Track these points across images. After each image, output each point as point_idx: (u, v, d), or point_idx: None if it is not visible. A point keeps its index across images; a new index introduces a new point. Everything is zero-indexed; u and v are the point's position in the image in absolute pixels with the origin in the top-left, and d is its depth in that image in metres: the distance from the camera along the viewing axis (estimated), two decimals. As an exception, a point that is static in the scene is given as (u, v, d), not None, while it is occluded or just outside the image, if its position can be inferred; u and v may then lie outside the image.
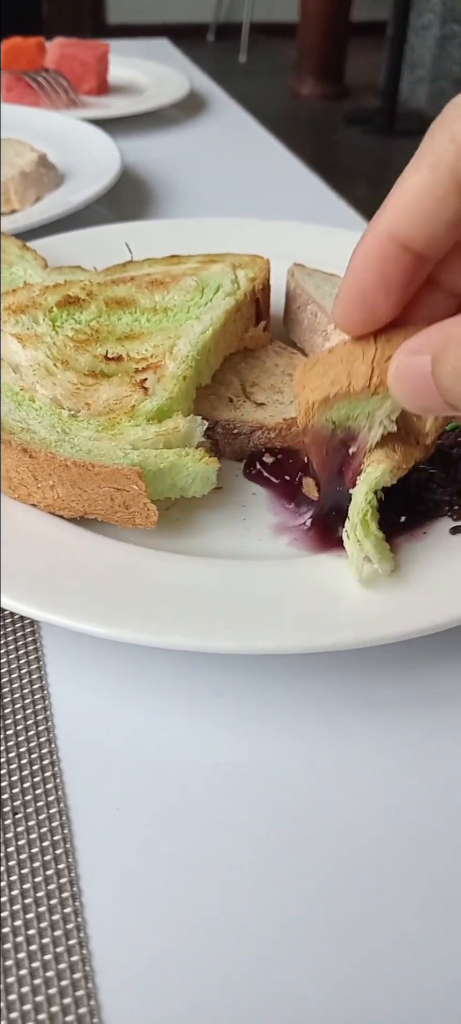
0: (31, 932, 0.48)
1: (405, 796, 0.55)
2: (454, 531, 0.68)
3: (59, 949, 0.47)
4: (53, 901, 0.49)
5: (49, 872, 0.50)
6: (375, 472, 0.62)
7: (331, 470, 0.65)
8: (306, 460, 0.76)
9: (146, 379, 0.73)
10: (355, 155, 6.30)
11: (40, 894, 0.49)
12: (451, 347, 0.47)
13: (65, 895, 0.49)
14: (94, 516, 0.67)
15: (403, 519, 0.69)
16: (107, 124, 1.64)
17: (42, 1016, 0.44)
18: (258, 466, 0.77)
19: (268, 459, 0.77)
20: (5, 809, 0.53)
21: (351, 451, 0.63)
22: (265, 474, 0.76)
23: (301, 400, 0.60)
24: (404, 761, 0.57)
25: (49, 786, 0.55)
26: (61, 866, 0.51)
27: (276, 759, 0.57)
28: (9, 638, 0.64)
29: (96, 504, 0.66)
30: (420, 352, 0.49)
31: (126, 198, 1.42)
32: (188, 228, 1.15)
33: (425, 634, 0.58)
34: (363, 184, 5.57)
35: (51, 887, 0.50)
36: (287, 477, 0.75)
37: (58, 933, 0.48)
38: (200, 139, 1.74)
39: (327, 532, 0.68)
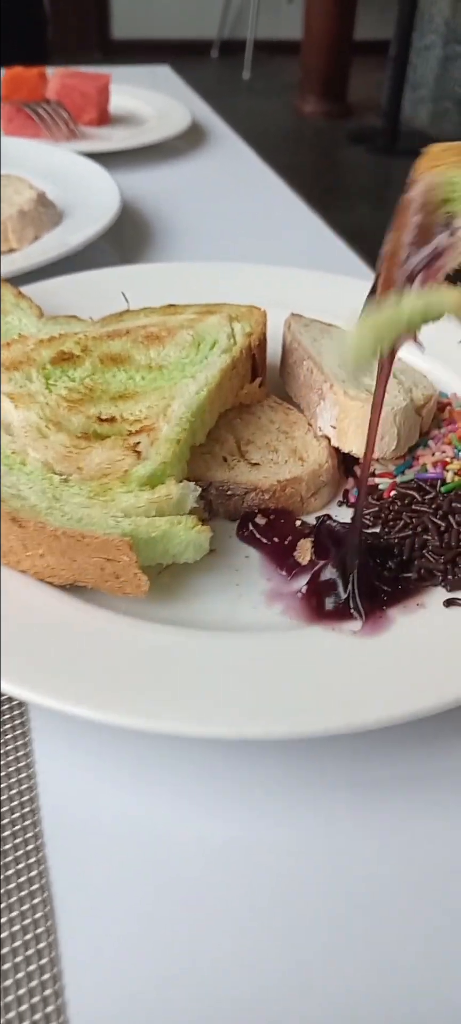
0: (10, 1016, 0.47)
1: (394, 882, 0.54)
2: (449, 603, 0.68)
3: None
4: (35, 999, 0.48)
5: (31, 968, 0.49)
6: (444, 294, 0.57)
7: (417, 244, 0.59)
8: (298, 524, 0.76)
9: (139, 442, 0.72)
10: (357, 174, 6.31)
11: (21, 991, 0.48)
12: None
13: (47, 992, 0.48)
14: (84, 584, 0.66)
15: (396, 587, 0.69)
16: (108, 157, 1.64)
17: None
18: (251, 527, 0.76)
19: (261, 520, 0.76)
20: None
21: (445, 239, 0.58)
22: (258, 535, 0.76)
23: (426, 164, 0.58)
24: (394, 845, 0.56)
25: (33, 874, 0.54)
26: (44, 961, 0.50)
27: (266, 844, 0.56)
28: (-4, 710, 0.63)
29: (86, 573, 0.65)
30: None
31: (125, 233, 1.41)
32: (186, 273, 1.15)
33: (420, 717, 0.57)
34: (365, 203, 5.58)
35: (33, 984, 0.49)
36: (280, 539, 0.75)
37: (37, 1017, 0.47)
38: (201, 173, 1.74)
39: (320, 601, 0.68)
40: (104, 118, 1.86)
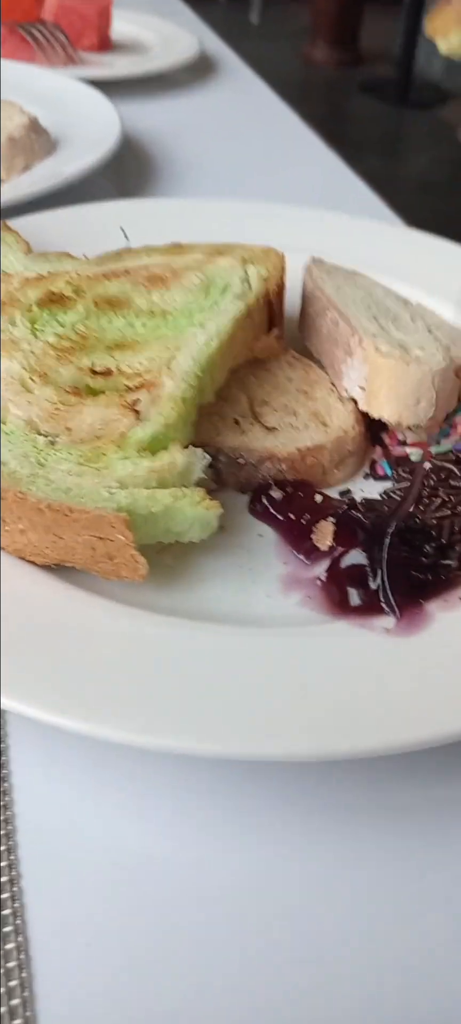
0: None
1: (400, 918, 0.45)
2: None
3: None
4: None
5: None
6: None
7: None
8: (318, 499, 0.66)
9: (138, 400, 0.62)
10: (367, 124, 6.11)
11: None
12: None
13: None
14: (72, 565, 0.57)
15: (435, 577, 0.59)
16: (107, 85, 1.51)
17: None
18: (265, 501, 0.66)
19: (276, 493, 0.66)
20: None
21: None
22: (273, 511, 0.66)
23: None
24: (405, 880, 0.47)
25: (6, 912, 0.45)
26: (15, 1001, 0.41)
27: (276, 879, 0.47)
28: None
29: (74, 553, 0.55)
30: None
31: (126, 169, 1.30)
32: (193, 210, 1.03)
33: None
34: (374, 155, 5.40)
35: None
36: (298, 516, 0.65)
37: None
38: (209, 106, 1.61)
39: (343, 592, 0.58)
40: (105, 44, 1.72)
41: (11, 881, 0.46)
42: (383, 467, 0.71)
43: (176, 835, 0.49)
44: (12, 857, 0.47)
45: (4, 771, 0.51)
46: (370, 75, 6.92)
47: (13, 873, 0.46)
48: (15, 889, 0.46)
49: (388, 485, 0.70)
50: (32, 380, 0.63)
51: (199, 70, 1.74)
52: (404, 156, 5.60)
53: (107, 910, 0.45)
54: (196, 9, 2.29)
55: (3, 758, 0.51)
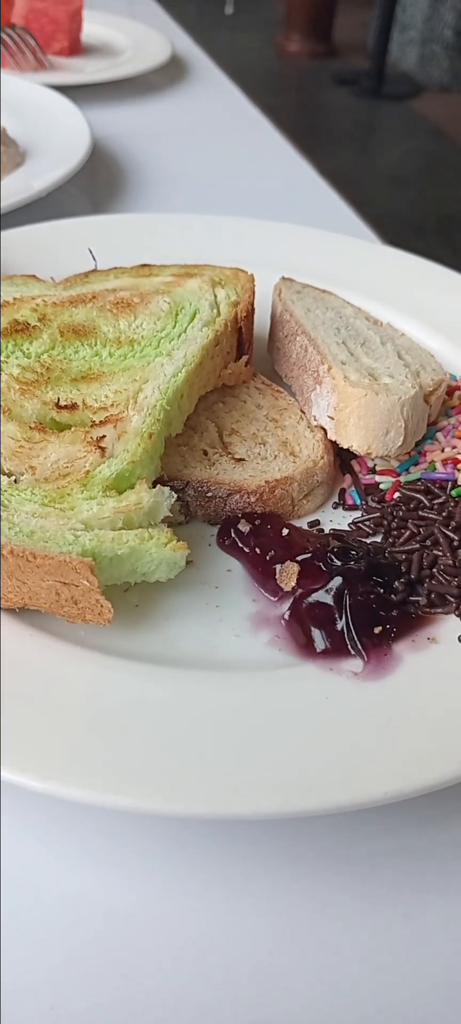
0: None
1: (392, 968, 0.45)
2: (464, 637, 0.58)
3: None
4: None
5: None
6: None
7: None
8: (285, 532, 0.65)
9: (104, 436, 0.61)
10: (341, 117, 6.10)
11: None
12: None
13: None
14: (36, 608, 0.56)
15: (403, 616, 0.59)
16: (79, 90, 1.49)
17: None
18: (233, 535, 0.66)
19: (245, 527, 0.66)
20: None
21: None
22: (240, 544, 0.65)
23: None
24: (374, 930, 0.47)
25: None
26: None
27: (247, 935, 0.47)
28: None
29: (38, 597, 0.54)
30: None
31: (96, 176, 1.28)
32: (163, 224, 1.02)
33: (436, 788, 0.48)
34: (349, 147, 5.40)
35: None
36: (265, 552, 0.64)
37: None
38: (181, 111, 1.60)
39: (308, 633, 0.57)
40: (76, 47, 1.69)
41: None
42: (352, 496, 0.71)
43: (141, 889, 0.48)
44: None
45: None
46: (344, 67, 6.91)
47: (-24, 935, 0.45)
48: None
49: (358, 514, 0.70)
50: (-5, 416, 0.62)
51: (171, 72, 1.72)
52: (378, 148, 5.60)
53: (71, 969, 0.45)
54: (170, 1, 2.27)
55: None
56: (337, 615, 0.57)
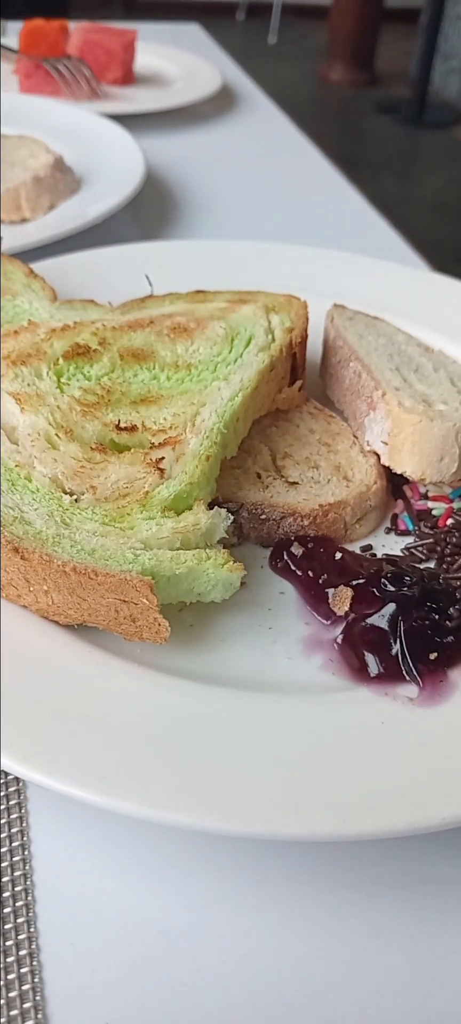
0: None
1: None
2: None
3: None
4: None
5: None
6: None
7: None
8: (338, 556, 0.66)
9: (163, 457, 0.62)
10: (383, 145, 6.12)
11: None
12: None
13: None
14: (94, 625, 0.57)
15: (458, 639, 0.59)
16: (132, 119, 1.52)
17: None
18: (286, 558, 0.66)
19: (297, 550, 0.66)
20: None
21: None
22: (294, 568, 0.66)
23: None
24: (429, 956, 0.47)
25: (26, 987, 0.45)
26: None
27: (293, 955, 0.47)
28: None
29: (98, 614, 0.56)
30: None
31: (148, 204, 1.30)
32: (215, 251, 1.04)
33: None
34: (390, 175, 5.41)
35: None
36: (318, 576, 0.64)
37: None
38: (231, 140, 1.62)
39: (361, 658, 0.57)
40: (129, 77, 1.73)
41: (30, 955, 0.46)
42: (405, 521, 0.71)
43: (196, 907, 0.49)
44: (32, 930, 0.47)
45: (25, 838, 0.51)
46: (386, 95, 6.93)
47: (33, 947, 0.46)
48: (34, 963, 0.46)
49: (410, 540, 0.70)
50: (58, 436, 0.63)
51: (220, 101, 1.75)
52: (420, 176, 5.60)
53: (125, 984, 0.45)
54: (214, 29, 2.30)
55: (23, 825, 0.52)
56: (392, 640, 0.58)
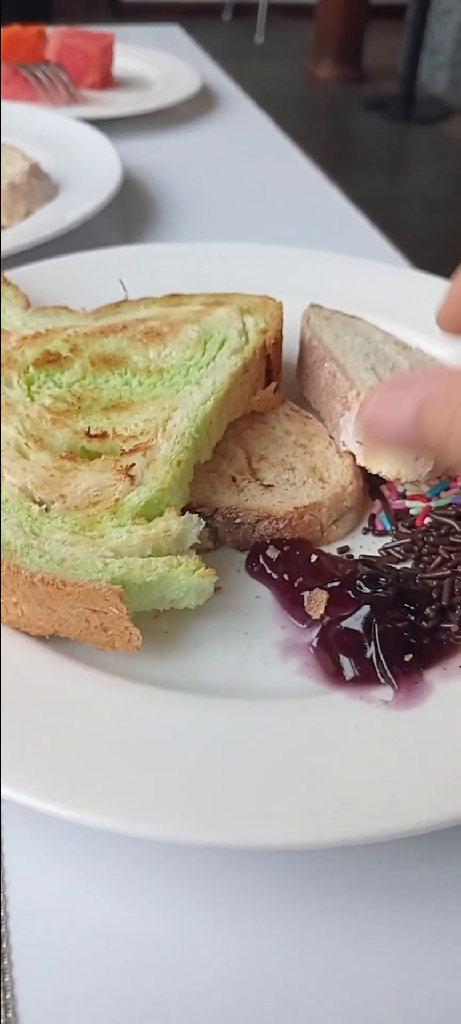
0: None
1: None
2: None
3: None
4: None
5: None
6: None
7: None
8: (314, 558, 0.65)
9: (133, 464, 0.61)
10: (372, 141, 6.12)
11: None
12: None
13: None
14: (66, 636, 0.56)
15: (434, 644, 0.58)
16: (110, 123, 1.52)
17: None
18: (262, 561, 0.66)
19: (273, 553, 0.66)
20: None
21: None
22: (269, 571, 0.65)
23: None
24: (405, 963, 0.46)
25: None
26: None
27: (270, 965, 0.46)
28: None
29: (69, 624, 0.55)
30: None
31: (128, 208, 1.30)
32: (192, 254, 1.03)
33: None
34: (380, 171, 5.41)
35: None
36: (293, 579, 0.64)
37: None
38: (210, 141, 1.61)
39: (337, 661, 0.57)
40: (107, 81, 1.73)
41: (2, 971, 0.45)
42: (382, 522, 0.71)
43: (171, 918, 0.48)
44: (3, 945, 0.47)
45: (-2, 851, 0.50)
46: (374, 92, 6.94)
47: (4, 963, 0.46)
48: (6, 979, 0.45)
49: (387, 540, 0.69)
50: (27, 445, 0.63)
51: (200, 103, 1.74)
52: (409, 172, 5.60)
53: (100, 998, 0.45)
54: (201, 30, 2.30)
55: (-3, 838, 0.51)
56: (366, 643, 0.57)
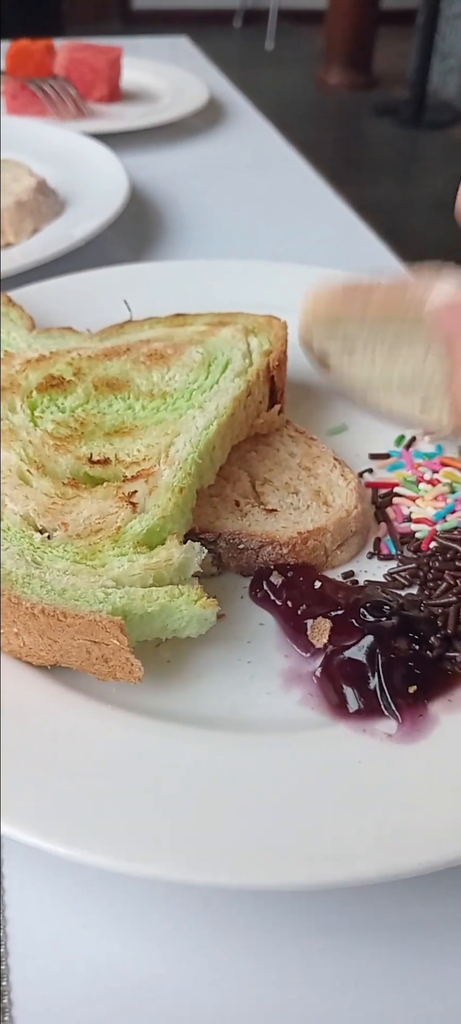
0: None
1: None
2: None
3: None
4: None
5: None
6: None
7: None
8: (318, 584, 0.64)
9: (135, 491, 0.61)
10: (383, 147, 6.11)
11: None
12: None
13: None
14: (67, 666, 0.56)
15: (438, 674, 0.58)
16: (117, 137, 1.52)
17: None
18: (265, 587, 0.65)
19: (277, 579, 0.65)
20: None
21: None
22: (272, 598, 0.65)
23: None
24: (407, 1004, 0.46)
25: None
26: None
27: (270, 1006, 0.46)
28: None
29: (70, 655, 0.55)
30: None
31: (135, 223, 1.30)
32: (199, 271, 1.03)
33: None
34: (390, 177, 5.40)
35: None
36: (297, 606, 0.63)
37: None
38: (218, 154, 1.61)
39: (340, 692, 0.56)
40: (115, 94, 1.73)
41: (1, 1010, 0.45)
42: (388, 546, 0.70)
43: (170, 958, 0.48)
44: (3, 983, 0.46)
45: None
46: (384, 97, 6.93)
47: (4, 1001, 0.45)
48: (6, 1018, 0.45)
49: (393, 565, 0.69)
50: (30, 472, 0.62)
51: (209, 115, 1.74)
52: (420, 177, 5.58)
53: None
54: (212, 37, 2.29)
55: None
56: (370, 673, 0.56)
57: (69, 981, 0.46)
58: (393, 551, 0.70)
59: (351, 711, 0.55)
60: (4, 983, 0.46)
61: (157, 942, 0.48)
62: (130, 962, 0.47)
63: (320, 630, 0.60)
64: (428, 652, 0.59)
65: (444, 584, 0.65)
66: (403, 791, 0.49)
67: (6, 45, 1.74)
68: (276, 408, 0.76)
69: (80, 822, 0.46)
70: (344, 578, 0.68)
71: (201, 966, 0.47)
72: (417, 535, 0.70)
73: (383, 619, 0.59)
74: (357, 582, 0.67)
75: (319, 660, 0.59)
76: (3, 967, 0.47)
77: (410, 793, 0.49)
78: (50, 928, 0.49)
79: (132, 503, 0.60)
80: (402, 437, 0.81)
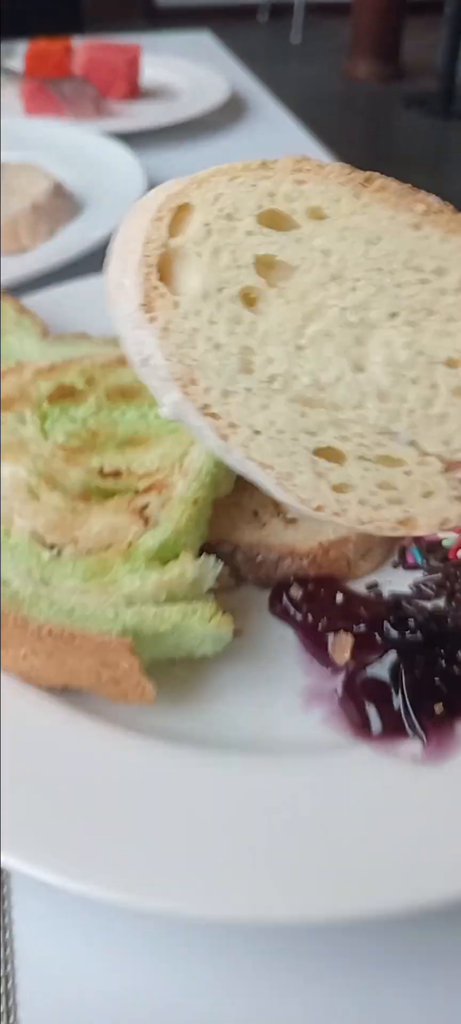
0: None
1: None
2: None
3: None
4: None
5: None
6: None
7: None
8: (340, 597, 0.62)
9: (148, 504, 0.59)
10: (411, 139, 6.03)
11: None
12: None
13: None
14: (78, 688, 0.54)
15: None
16: (136, 136, 1.50)
17: None
18: (285, 600, 0.63)
19: (297, 592, 0.62)
20: None
21: None
22: (292, 611, 0.62)
23: None
24: None
25: None
26: None
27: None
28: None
29: (79, 677, 0.53)
30: None
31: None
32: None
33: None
34: (420, 169, 5.32)
35: None
36: (318, 620, 0.60)
37: None
38: (240, 151, 1.58)
39: (363, 711, 0.54)
40: (134, 92, 1.71)
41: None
42: (413, 555, 0.67)
43: (186, 990, 0.46)
44: (12, 1019, 0.44)
45: (6, 919, 0.48)
46: (413, 89, 6.84)
47: (11, 1018, 0.44)
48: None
49: (419, 575, 0.66)
50: (39, 486, 0.60)
51: (230, 111, 1.71)
52: (449, 168, 5.51)
53: None
54: (237, 32, 2.27)
55: (4, 905, 0.49)
56: (394, 692, 0.54)
57: (80, 1012, 0.45)
58: (419, 560, 0.67)
59: (374, 732, 0.52)
60: (12, 1018, 0.45)
61: (172, 973, 0.46)
62: (143, 994, 0.45)
63: (342, 645, 0.57)
64: (455, 667, 0.56)
65: (473, 596, 0.62)
66: (426, 818, 0.46)
67: (24, 46, 1.73)
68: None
69: (86, 855, 0.44)
70: (368, 589, 0.65)
71: (218, 999, 0.45)
72: (444, 543, 0.67)
73: (407, 633, 0.57)
74: (381, 593, 0.64)
75: (341, 677, 0.57)
76: (12, 1002, 0.45)
77: (437, 818, 0.46)
78: (61, 958, 0.47)
79: (144, 517, 0.58)
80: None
